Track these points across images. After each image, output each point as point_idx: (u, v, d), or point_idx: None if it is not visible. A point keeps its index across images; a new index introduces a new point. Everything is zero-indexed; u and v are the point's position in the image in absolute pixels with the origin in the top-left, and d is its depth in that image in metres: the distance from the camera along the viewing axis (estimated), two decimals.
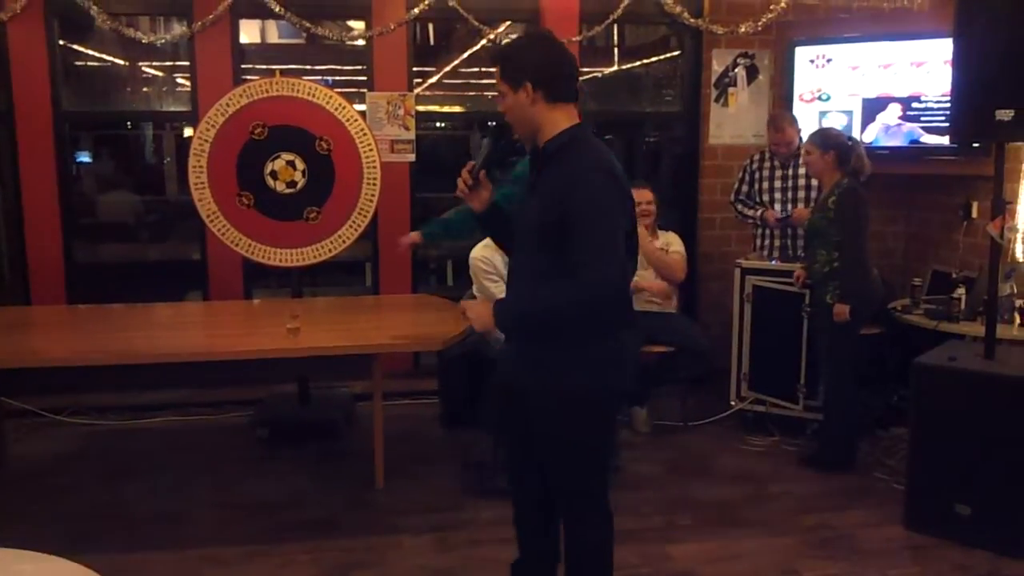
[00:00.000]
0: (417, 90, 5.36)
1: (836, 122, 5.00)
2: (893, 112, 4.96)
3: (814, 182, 4.61)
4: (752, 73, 5.43)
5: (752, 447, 4.42)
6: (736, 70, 5.42)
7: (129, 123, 7.71)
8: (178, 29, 5.08)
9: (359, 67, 5.45)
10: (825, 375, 4.13)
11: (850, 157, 3.94)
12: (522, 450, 2.43)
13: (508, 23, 5.55)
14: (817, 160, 3.99)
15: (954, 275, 4.63)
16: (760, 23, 5.30)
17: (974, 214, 4.86)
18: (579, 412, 2.27)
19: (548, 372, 2.25)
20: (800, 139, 4.64)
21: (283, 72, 4.60)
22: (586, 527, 2.41)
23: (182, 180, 5.26)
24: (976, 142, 4.22)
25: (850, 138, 4.09)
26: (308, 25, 5.02)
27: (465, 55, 6.40)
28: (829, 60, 5.14)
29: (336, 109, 4.52)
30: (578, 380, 2.24)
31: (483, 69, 6.19)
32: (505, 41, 2.28)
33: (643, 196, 4.70)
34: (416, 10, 5.05)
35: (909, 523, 3.50)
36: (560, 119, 2.23)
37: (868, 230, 4.05)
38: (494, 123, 2.31)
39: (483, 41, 5.37)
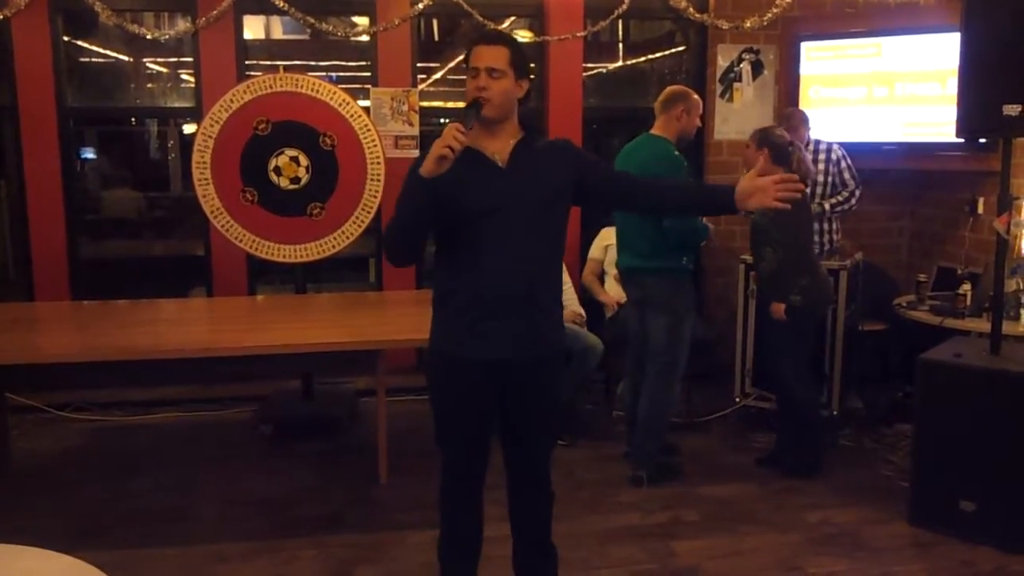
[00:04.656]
0: (421, 86, 5.34)
1: None
2: None
3: (819, 177, 4.61)
4: (757, 68, 5.41)
5: (756, 443, 4.41)
6: (741, 65, 5.40)
7: (133, 119, 7.70)
8: (182, 25, 5.08)
9: (363, 63, 5.44)
10: (782, 376, 4.00)
11: (788, 158, 3.82)
12: (478, 429, 2.46)
13: (513, 18, 5.54)
14: (752, 156, 3.88)
15: (960, 271, 4.61)
16: (765, 18, 5.28)
17: (980, 210, 4.85)
18: (563, 367, 2.60)
19: (554, 338, 2.46)
20: (810, 138, 4.66)
21: (287, 68, 4.60)
22: (548, 488, 2.58)
23: (186, 176, 5.25)
24: (983, 137, 4.19)
25: (791, 143, 3.93)
26: (312, 21, 5.01)
27: None
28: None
29: (340, 105, 4.52)
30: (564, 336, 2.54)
31: None
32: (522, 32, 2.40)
33: None
34: (420, 5, 5.04)
35: (914, 519, 3.49)
36: (516, 122, 2.41)
37: (810, 227, 4.06)
38: (475, 99, 2.33)
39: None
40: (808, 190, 4.03)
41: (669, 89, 4.02)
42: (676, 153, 3.85)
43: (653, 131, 3.95)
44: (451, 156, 2.16)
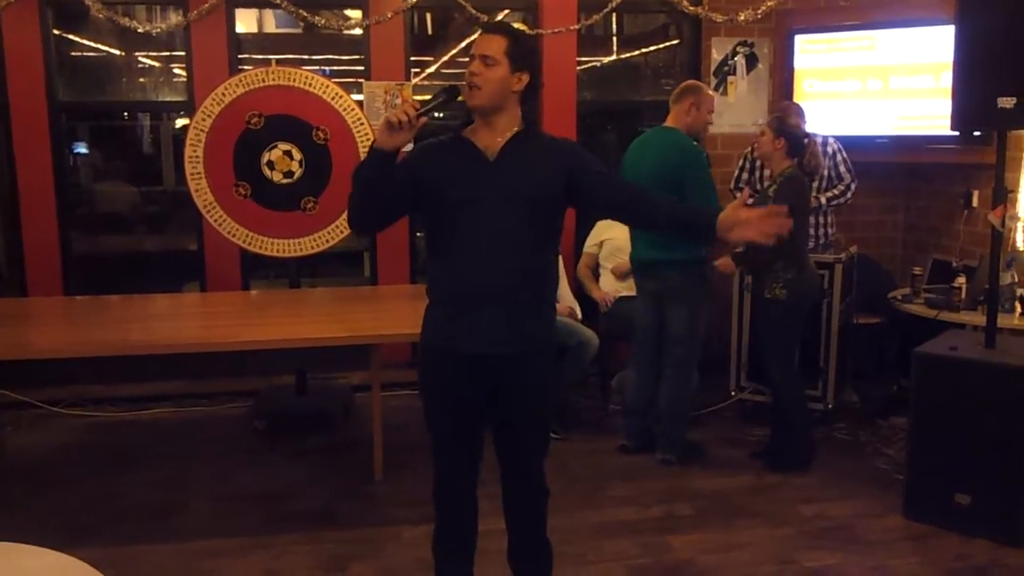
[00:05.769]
0: (414, 80, 5.32)
1: None
2: None
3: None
4: (751, 62, 5.41)
5: (751, 437, 4.41)
6: (735, 58, 5.39)
7: (125, 113, 7.66)
8: (174, 18, 5.04)
9: (356, 56, 5.41)
10: (771, 369, 4.01)
11: (802, 151, 3.86)
12: (468, 423, 2.46)
13: (507, 11, 5.52)
14: (767, 143, 3.88)
15: (955, 264, 4.62)
16: (760, 11, 5.27)
17: (975, 203, 4.85)
18: (553, 364, 2.54)
19: (540, 335, 2.41)
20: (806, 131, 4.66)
21: (280, 61, 4.58)
22: (542, 484, 2.54)
23: (179, 170, 5.23)
24: (977, 130, 4.19)
25: (807, 134, 3.99)
26: (305, 14, 4.99)
27: (463, 44, 6.37)
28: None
29: (333, 99, 4.50)
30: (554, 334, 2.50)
31: None
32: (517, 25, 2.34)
33: None
34: None
35: (909, 512, 3.49)
36: (519, 116, 2.38)
37: (807, 221, 4.04)
38: (453, 84, 2.34)
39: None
40: (812, 183, 4.04)
41: (683, 83, 4.09)
42: (694, 143, 3.91)
43: (667, 124, 4.01)
44: (399, 127, 2.24)
